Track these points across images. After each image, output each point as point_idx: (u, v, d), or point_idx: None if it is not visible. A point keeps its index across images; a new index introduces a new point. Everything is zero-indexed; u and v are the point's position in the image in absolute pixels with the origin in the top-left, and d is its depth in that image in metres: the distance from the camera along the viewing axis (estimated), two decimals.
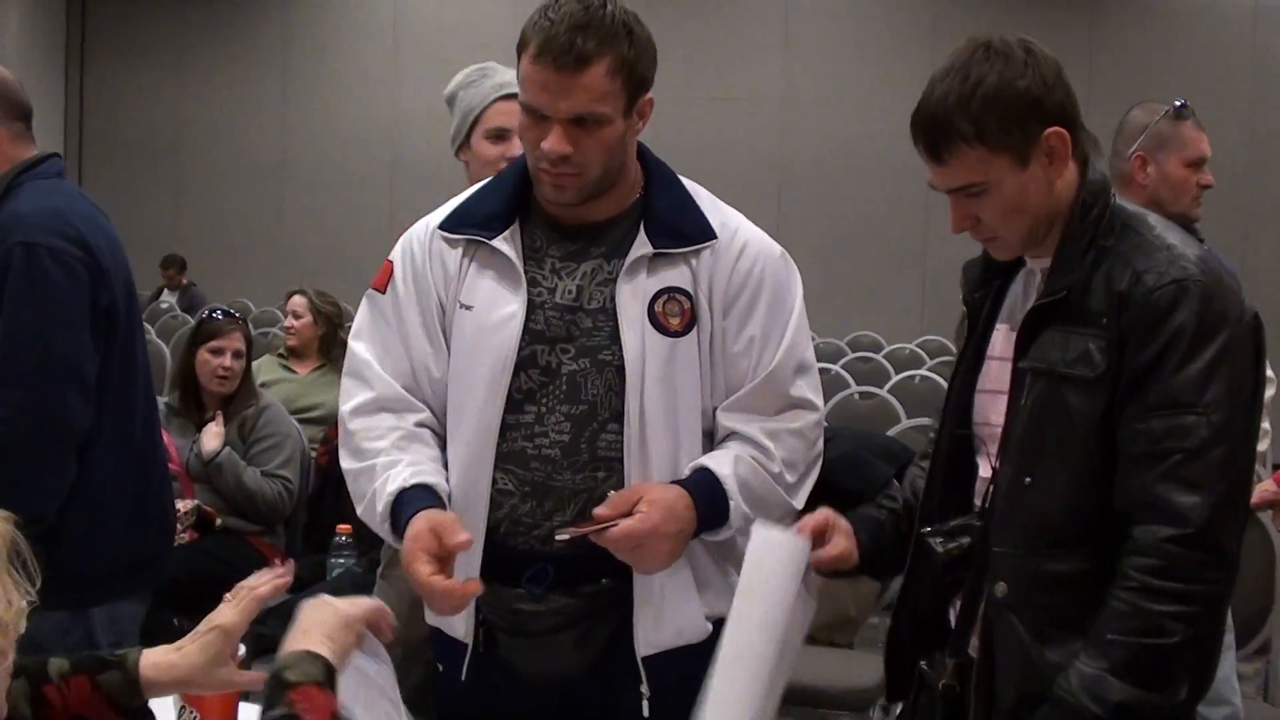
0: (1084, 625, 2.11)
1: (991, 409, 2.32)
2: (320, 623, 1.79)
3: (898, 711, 2.56)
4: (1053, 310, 2.18)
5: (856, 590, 4.39)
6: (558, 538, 2.34)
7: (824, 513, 2.39)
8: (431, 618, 2.57)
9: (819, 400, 2.52)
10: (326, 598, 1.87)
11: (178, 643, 1.89)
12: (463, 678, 2.53)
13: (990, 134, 2.14)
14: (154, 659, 1.85)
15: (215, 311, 5.59)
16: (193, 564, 4.78)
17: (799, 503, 2.50)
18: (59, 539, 2.90)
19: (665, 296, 2.41)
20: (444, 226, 2.52)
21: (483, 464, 2.43)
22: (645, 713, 2.46)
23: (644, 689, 2.44)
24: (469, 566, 2.40)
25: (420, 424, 2.50)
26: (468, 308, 2.47)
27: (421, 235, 2.55)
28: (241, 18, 16.45)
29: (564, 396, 2.42)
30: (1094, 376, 2.11)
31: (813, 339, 2.58)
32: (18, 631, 1.47)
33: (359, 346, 2.56)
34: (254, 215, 16.24)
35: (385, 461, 2.44)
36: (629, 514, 2.28)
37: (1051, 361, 2.16)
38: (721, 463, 2.40)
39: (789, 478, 2.46)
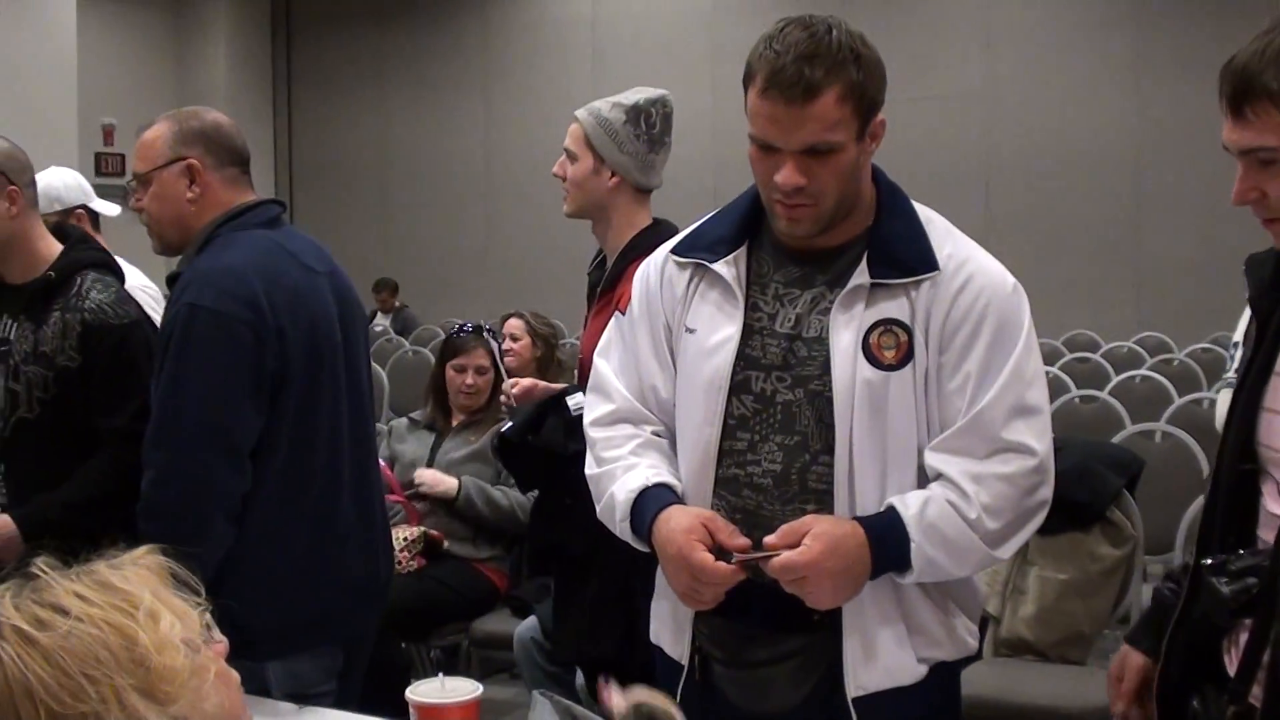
0: None
1: (1278, 431, 2.07)
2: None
3: None
4: None
5: (1089, 606, 4.29)
6: (734, 560, 2.30)
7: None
8: (654, 634, 2.60)
9: (1040, 445, 2.34)
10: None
11: None
12: (677, 700, 2.52)
13: None
14: None
15: (462, 327, 5.62)
16: (421, 590, 4.88)
17: (1004, 553, 2.38)
18: (223, 595, 2.85)
19: (881, 329, 2.34)
20: (676, 250, 2.55)
21: (703, 487, 2.43)
22: None
23: None
24: None
25: (657, 434, 2.55)
26: (691, 331, 2.48)
27: (658, 259, 2.60)
28: (440, 42, 16.78)
29: (778, 426, 2.39)
30: None
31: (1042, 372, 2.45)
32: (215, 640, 1.48)
33: (601, 363, 2.64)
34: (462, 236, 16.52)
35: (625, 465, 2.48)
36: (796, 545, 2.24)
37: None
38: (910, 504, 2.31)
39: (989, 524, 2.31)
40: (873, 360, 2.33)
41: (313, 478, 3.04)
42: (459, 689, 2.26)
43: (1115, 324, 12.54)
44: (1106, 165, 13.68)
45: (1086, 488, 4.34)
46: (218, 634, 1.49)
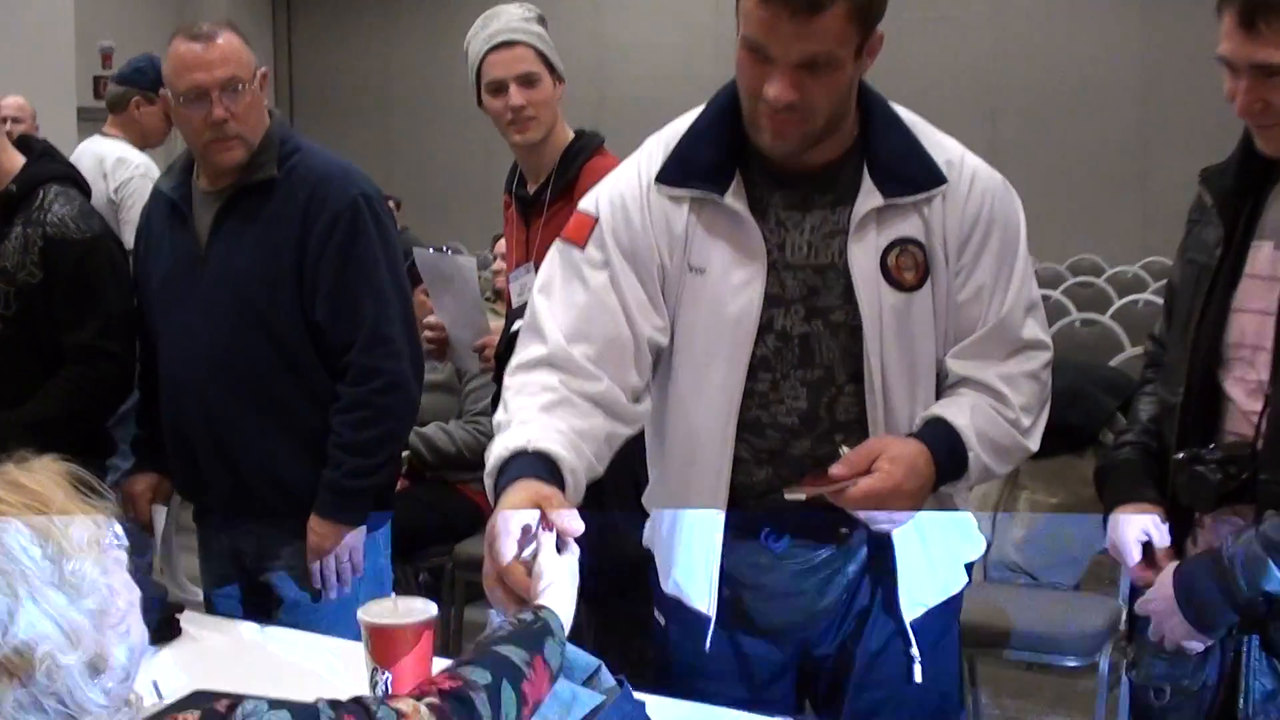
0: None
1: (1253, 330, 2.21)
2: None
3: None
4: None
5: (1080, 529, 4.23)
6: (787, 497, 2.23)
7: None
8: (672, 587, 2.49)
9: (1048, 338, 2.40)
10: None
11: None
12: (706, 648, 2.44)
13: None
14: None
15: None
16: (406, 512, 4.81)
17: (1035, 445, 2.38)
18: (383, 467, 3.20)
19: (898, 249, 2.26)
20: (664, 180, 2.32)
21: (725, 433, 2.33)
22: (917, 677, 2.39)
23: (914, 652, 2.38)
24: (710, 531, 2.36)
25: (586, 394, 2.22)
26: (700, 271, 2.30)
27: (634, 189, 2.34)
28: None
29: (797, 361, 2.31)
30: None
31: (1033, 264, 2.46)
32: (120, 543, 1.48)
33: (540, 301, 2.32)
34: (463, 161, 16.39)
35: (520, 419, 2.15)
36: (867, 471, 2.17)
37: None
38: (958, 413, 2.26)
39: (1025, 422, 2.33)
40: (894, 283, 2.26)
41: None
42: (412, 609, 2.19)
43: (1122, 251, 12.45)
44: (1113, 91, 13.55)
45: (1080, 410, 4.27)
46: (123, 538, 1.49)
